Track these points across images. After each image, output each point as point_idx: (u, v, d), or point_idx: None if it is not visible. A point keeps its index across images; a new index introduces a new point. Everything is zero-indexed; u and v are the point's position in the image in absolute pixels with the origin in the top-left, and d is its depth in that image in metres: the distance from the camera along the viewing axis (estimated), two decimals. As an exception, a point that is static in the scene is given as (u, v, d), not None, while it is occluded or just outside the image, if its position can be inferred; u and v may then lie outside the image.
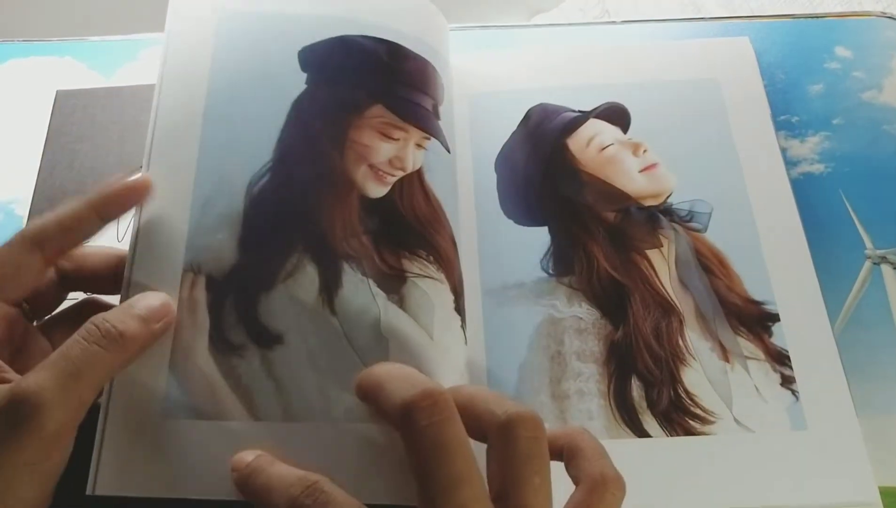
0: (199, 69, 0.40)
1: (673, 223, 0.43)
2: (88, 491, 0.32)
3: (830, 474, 0.37)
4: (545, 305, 0.41)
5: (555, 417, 0.38)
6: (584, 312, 0.41)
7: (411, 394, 0.29)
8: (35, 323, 0.36)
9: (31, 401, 0.28)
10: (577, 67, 0.49)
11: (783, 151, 0.46)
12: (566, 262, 0.42)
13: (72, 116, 0.50)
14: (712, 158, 0.45)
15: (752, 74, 0.48)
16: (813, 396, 0.39)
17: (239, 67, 0.40)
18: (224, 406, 0.33)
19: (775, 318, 0.41)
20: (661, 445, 0.38)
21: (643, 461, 0.37)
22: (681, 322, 0.41)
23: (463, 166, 0.44)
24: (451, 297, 0.37)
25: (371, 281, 0.36)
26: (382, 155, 0.39)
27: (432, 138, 0.40)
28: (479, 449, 0.29)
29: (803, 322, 0.40)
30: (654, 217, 0.44)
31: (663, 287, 0.42)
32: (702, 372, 0.39)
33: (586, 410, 0.39)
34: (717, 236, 0.43)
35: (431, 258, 0.37)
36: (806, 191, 0.46)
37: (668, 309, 0.41)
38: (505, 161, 0.45)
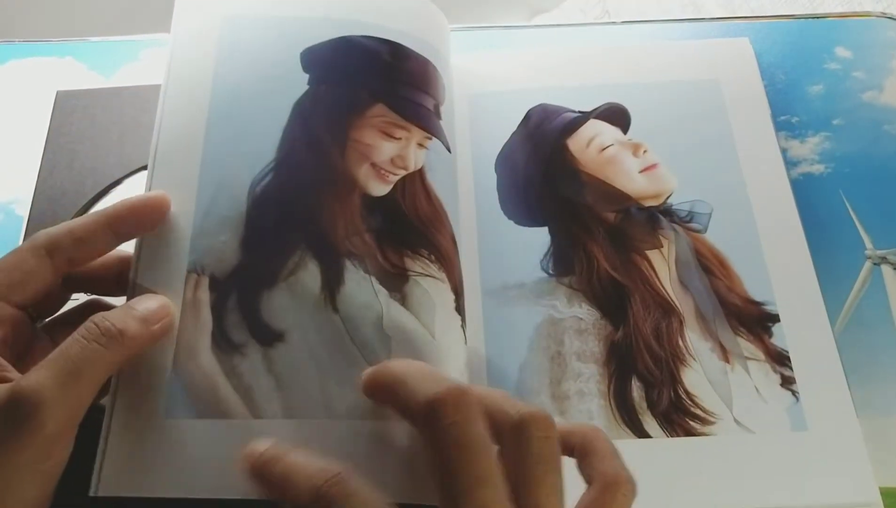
0: (203, 73, 0.40)
1: (673, 224, 0.43)
2: (92, 493, 0.32)
3: (831, 474, 0.37)
4: (545, 305, 0.41)
5: (555, 417, 0.38)
6: (584, 312, 0.41)
7: (436, 391, 0.28)
8: (39, 324, 0.36)
9: (31, 400, 0.28)
10: (577, 68, 0.49)
11: (783, 151, 0.46)
12: (566, 262, 0.42)
13: (72, 117, 0.50)
14: (712, 158, 0.45)
15: (753, 75, 0.48)
16: (813, 396, 0.39)
17: (242, 70, 0.40)
18: (227, 405, 0.33)
19: (775, 318, 0.41)
20: (661, 445, 0.38)
21: (643, 461, 0.37)
22: (681, 323, 0.41)
23: (463, 167, 0.44)
24: (452, 297, 0.37)
25: (373, 278, 0.36)
26: (384, 154, 0.39)
27: (434, 138, 0.40)
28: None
29: (803, 323, 0.40)
30: (655, 218, 0.44)
31: (663, 288, 0.42)
32: (702, 373, 0.39)
33: (586, 410, 0.39)
34: (717, 237, 0.43)
35: (433, 257, 0.37)
36: (806, 191, 0.46)
37: (668, 310, 0.41)
38: (505, 161, 0.45)
